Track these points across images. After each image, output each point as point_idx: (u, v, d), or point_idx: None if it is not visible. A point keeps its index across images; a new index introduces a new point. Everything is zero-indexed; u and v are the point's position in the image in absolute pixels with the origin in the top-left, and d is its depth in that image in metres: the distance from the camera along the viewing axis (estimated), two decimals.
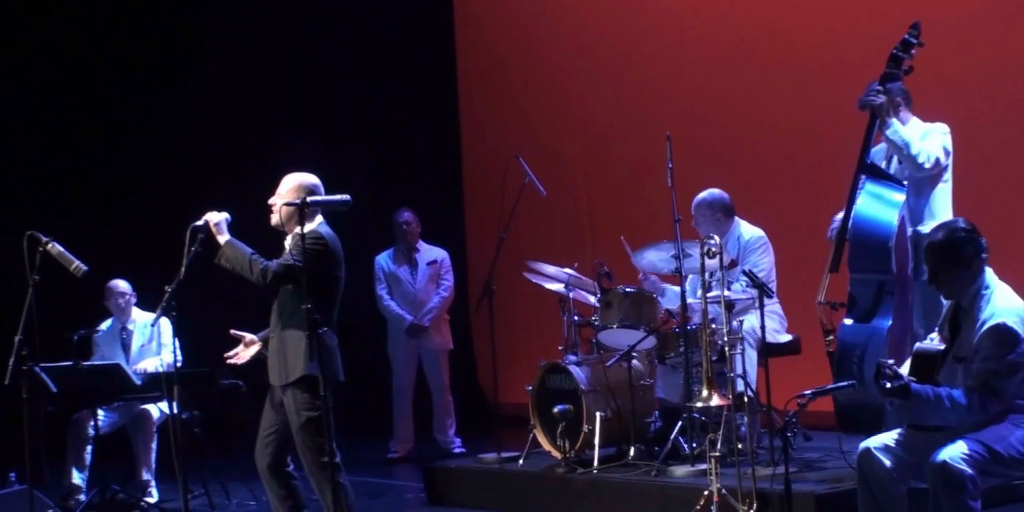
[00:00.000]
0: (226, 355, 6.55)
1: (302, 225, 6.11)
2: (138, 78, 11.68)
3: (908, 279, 6.94)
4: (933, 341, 5.62)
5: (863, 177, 7.03)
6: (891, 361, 5.41)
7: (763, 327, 6.86)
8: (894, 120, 6.98)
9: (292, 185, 6.33)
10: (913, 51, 7.00)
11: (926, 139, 6.98)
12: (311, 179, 6.36)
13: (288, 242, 6.35)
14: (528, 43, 11.98)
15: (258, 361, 6.50)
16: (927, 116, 7.17)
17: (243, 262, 6.19)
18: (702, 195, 8.08)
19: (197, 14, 11.96)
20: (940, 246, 5.46)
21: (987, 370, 5.28)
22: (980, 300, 5.40)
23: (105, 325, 9.18)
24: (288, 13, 12.12)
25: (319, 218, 6.33)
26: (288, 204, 6.22)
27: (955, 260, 5.42)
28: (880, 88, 6.96)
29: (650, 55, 10.88)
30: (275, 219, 6.35)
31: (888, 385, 5.22)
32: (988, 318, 5.32)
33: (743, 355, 7.43)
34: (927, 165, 6.92)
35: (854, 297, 6.99)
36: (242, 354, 6.53)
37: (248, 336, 6.52)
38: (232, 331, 6.54)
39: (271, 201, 6.36)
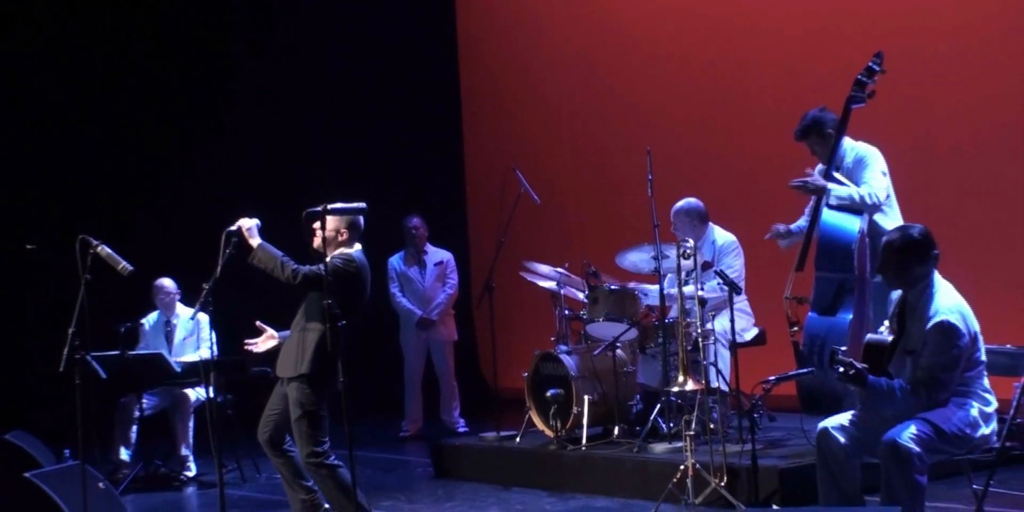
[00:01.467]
0: (245, 341, 6.57)
1: (320, 236, 6.11)
2: (179, 99, 11.67)
3: (867, 279, 6.94)
4: (883, 332, 5.62)
5: (828, 189, 7.03)
6: (843, 348, 5.42)
7: (732, 321, 6.86)
8: (831, 188, 6.95)
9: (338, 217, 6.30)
10: (876, 78, 7.00)
11: (866, 175, 6.97)
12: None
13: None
14: (524, 68, 11.96)
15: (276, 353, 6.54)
16: (884, 137, 7.16)
17: (274, 263, 6.21)
18: (680, 203, 8.08)
19: (228, 48, 11.98)
20: (897, 245, 5.45)
21: (934, 364, 5.28)
22: (926, 297, 5.40)
23: (152, 317, 9.17)
24: (306, 39, 12.11)
25: (357, 245, 6.34)
26: (311, 210, 6.21)
27: (908, 257, 5.41)
28: (811, 175, 6.98)
29: (632, 80, 10.88)
30: (316, 242, 6.28)
31: (842, 370, 5.23)
32: (933, 315, 5.32)
33: (715, 352, 7.43)
34: (879, 201, 6.92)
35: (818, 293, 7.00)
36: (260, 344, 6.54)
37: (270, 330, 6.53)
38: (258, 323, 6.55)
39: (316, 226, 6.29)
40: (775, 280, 7.35)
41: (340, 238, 6.30)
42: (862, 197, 6.89)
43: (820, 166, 7.16)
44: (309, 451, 6.23)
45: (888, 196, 7.01)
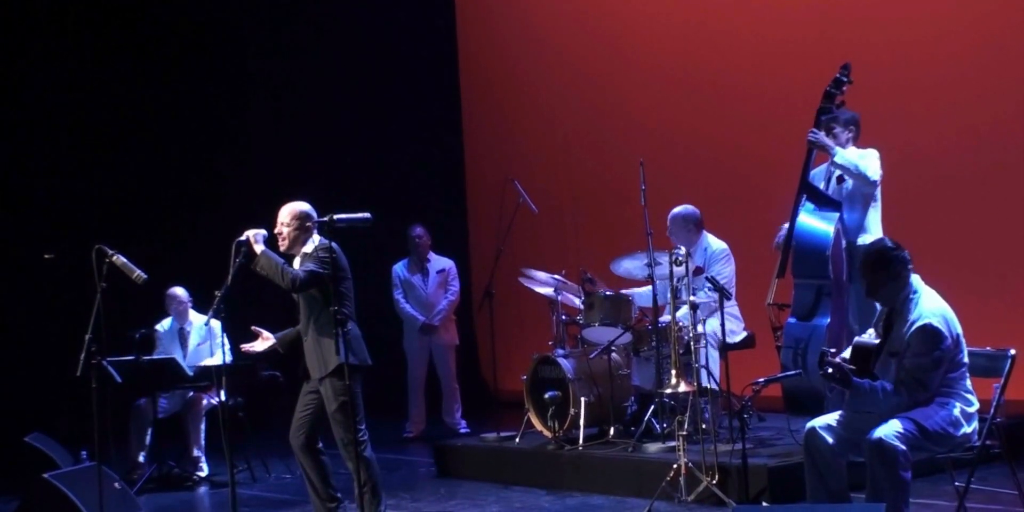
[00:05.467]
0: (242, 346, 6.59)
1: (329, 241, 6.17)
2: (190, 112, 11.69)
3: (844, 283, 6.94)
4: (869, 336, 5.62)
5: (803, 196, 7.03)
6: (832, 350, 5.42)
7: (723, 325, 6.86)
8: (838, 149, 6.96)
9: (294, 213, 6.40)
10: (844, 88, 7.01)
11: (865, 159, 6.98)
12: (305, 205, 6.45)
13: (297, 261, 6.39)
14: (523, 81, 11.97)
15: (293, 359, 6.55)
16: (864, 141, 7.17)
17: (275, 270, 6.24)
18: (677, 210, 8.06)
19: (236, 66, 12.01)
20: (872, 263, 5.49)
21: (917, 365, 5.29)
22: (909, 303, 5.41)
23: (166, 323, 9.16)
24: (310, 53, 12.13)
25: (317, 235, 6.38)
26: (319, 223, 6.27)
27: (885, 274, 5.44)
28: (816, 129, 6.96)
29: (628, 92, 10.89)
30: (285, 245, 6.42)
31: (830, 371, 5.23)
32: (916, 319, 5.32)
33: (706, 353, 7.42)
34: (874, 178, 6.91)
35: (797, 299, 7.00)
36: (256, 346, 6.57)
37: (265, 333, 6.56)
38: (253, 327, 6.58)
39: (278, 231, 6.43)
40: (762, 287, 7.34)
41: (308, 226, 6.37)
42: (862, 171, 6.87)
43: (824, 166, 7.14)
44: (347, 438, 6.24)
45: (877, 187, 6.99)
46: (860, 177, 6.90)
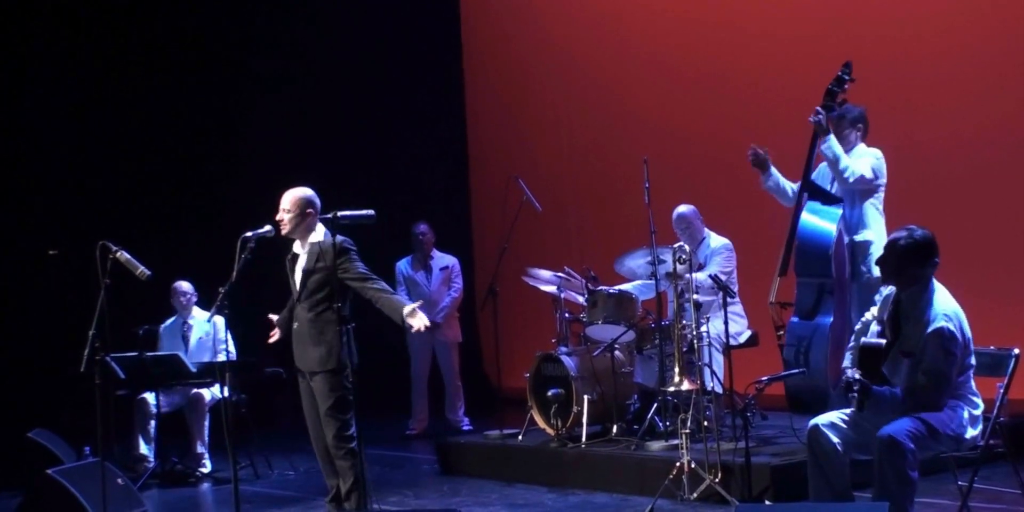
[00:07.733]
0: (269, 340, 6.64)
1: (332, 233, 6.18)
2: (194, 108, 11.68)
3: (846, 281, 6.93)
4: (872, 334, 5.58)
5: (806, 195, 7.02)
6: (848, 370, 5.37)
7: (726, 323, 6.85)
8: (831, 137, 6.93)
9: (295, 200, 6.44)
10: (846, 86, 6.99)
11: (858, 159, 6.96)
12: (307, 192, 6.50)
13: (304, 250, 6.40)
14: (527, 79, 11.99)
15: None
16: (869, 139, 7.17)
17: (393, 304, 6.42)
18: (683, 209, 8.08)
19: (244, 63, 12.00)
20: (900, 245, 5.38)
21: (935, 369, 5.24)
22: (922, 301, 5.34)
23: (169, 321, 9.18)
24: (314, 49, 12.13)
25: (320, 226, 6.39)
26: (323, 218, 6.30)
27: (907, 259, 5.36)
28: (821, 109, 6.94)
29: (632, 90, 10.90)
30: (287, 229, 6.46)
31: (856, 389, 5.20)
32: (932, 319, 5.26)
33: (710, 356, 7.42)
34: (851, 179, 6.89)
35: (800, 297, 6.99)
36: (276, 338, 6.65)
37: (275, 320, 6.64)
38: (269, 316, 6.65)
39: (279, 217, 6.45)
40: (766, 285, 7.34)
41: (309, 212, 6.40)
42: (846, 167, 6.84)
43: (824, 164, 7.13)
44: (339, 435, 6.28)
45: (880, 187, 6.95)
46: (837, 172, 6.88)
